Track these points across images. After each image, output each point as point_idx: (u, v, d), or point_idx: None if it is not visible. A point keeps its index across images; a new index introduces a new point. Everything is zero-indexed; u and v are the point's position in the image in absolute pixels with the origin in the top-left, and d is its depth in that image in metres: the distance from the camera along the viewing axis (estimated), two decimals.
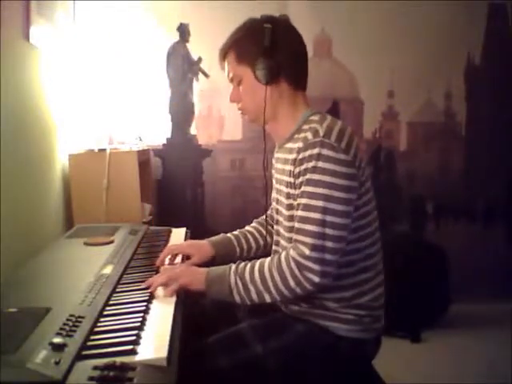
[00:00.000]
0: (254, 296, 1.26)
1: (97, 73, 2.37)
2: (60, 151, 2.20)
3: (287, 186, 1.33)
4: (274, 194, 1.49)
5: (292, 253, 1.23)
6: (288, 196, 1.33)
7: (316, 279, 1.21)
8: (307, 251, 1.21)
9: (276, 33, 1.32)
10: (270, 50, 1.31)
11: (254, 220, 1.67)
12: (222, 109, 3.12)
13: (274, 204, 1.49)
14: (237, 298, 1.27)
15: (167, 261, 1.49)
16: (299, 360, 1.28)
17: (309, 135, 1.27)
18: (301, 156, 1.26)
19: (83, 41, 2.43)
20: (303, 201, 1.25)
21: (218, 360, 1.24)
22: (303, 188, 1.25)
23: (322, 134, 1.25)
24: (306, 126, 1.32)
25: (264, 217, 1.63)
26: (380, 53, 3.05)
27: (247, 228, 1.64)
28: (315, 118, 1.33)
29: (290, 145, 1.36)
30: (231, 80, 1.41)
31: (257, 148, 3.18)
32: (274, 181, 1.48)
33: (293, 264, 1.22)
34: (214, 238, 1.59)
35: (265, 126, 1.41)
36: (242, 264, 1.29)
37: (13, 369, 0.79)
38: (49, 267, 1.46)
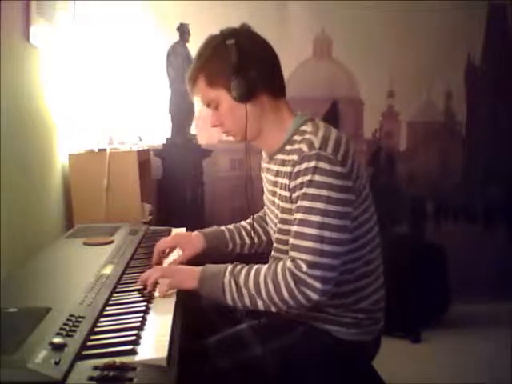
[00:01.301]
0: (247, 300, 1.22)
1: (97, 73, 2.37)
2: (60, 151, 2.20)
3: (282, 200, 1.30)
4: (265, 201, 1.48)
5: (289, 265, 1.20)
6: (283, 211, 1.30)
7: (314, 297, 1.18)
8: (304, 267, 1.17)
9: (241, 46, 1.27)
10: (240, 66, 1.26)
11: (251, 216, 1.62)
12: None
13: (266, 210, 1.48)
14: (228, 299, 1.24)
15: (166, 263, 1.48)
16: (298, 362, 1.27)
17: (304, 147, 1.23)
18: (296, 169, 1.23)
19: (83, 41, 2.43)
20: (299, 216, 1.21)
21: (218, 361, 1.24)
22: (299, 203, 1.22)
23: (317, 146, 1.21)
24: (298, 137, 1.29)
25: (260, 214, 1.64)
26: (380, 53, 3.05)
27: (243, 223, 1.62)
28: (307, 128, 1.29)
29: (281, 156, 1.33)
30: (208, 105, 1.36)
31: (256, 148, 3.18)
32: (264, 189, 1.47)
33: (289, 277, 1.18)
34: (205, 230, 1.57)
35: (252, 143, 1.40)
36: (239, 266, 1.27)
37: (13, 369, 0.79)
38: (49, 267, 1.46)
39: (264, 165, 1.47)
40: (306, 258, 1.18)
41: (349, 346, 1.29)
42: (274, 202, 1.37)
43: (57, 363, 0.82)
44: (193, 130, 3.09)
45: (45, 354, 0.84)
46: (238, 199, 3.15)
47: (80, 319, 1.01)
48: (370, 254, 1.31)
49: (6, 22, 1.62)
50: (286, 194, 1.28)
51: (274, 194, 1.37)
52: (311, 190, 1.20)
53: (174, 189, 3.03)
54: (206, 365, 1.23)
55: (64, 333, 0.93)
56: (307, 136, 1.25)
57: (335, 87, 3.18)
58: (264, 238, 1.59)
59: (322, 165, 1.19)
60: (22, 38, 1.81)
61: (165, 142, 3.04)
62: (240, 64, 1.26)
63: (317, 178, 1.19)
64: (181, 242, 1.53)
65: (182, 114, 3.04)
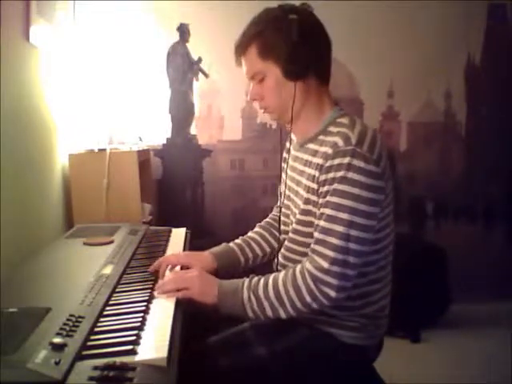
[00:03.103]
0: (269, 312, 1.21)
1: (97, 73, 2.37)
2: (60, 151, 2.20)
3: (308, 191, 1.27)
4: (285, 191, 1.42)
5: (308, 266, 1.19)
6: (307, 202, 1.27)
7: (332, 293, 1.16)
8: (326, 264, 1.16)
9: (302, 23, 1.24)
10: (298, 43, 1.22)
11: (258, 224, 1.60)
12: (222, 109, 3.12)
13: (284, 201, 1.42)
14: (250, 314, 1.22)
15: (167, 272, 1.38)
16: (301, 363, 1.26)
17: (339, 141, 1.20)
18: (329, 163, 1.19)
19: (83, 41, 2.43)
20: (327, 211, 1.18)
21: (219, 361, 1.23)
22: (328, 198, 1.19)
23: (354, 142, 1.18)
24: (333, 129, 1.25)
25: (267, 220, 1.60)
26: (380, 53, 3.05)
27: (250, 234, 1.57)
28: (344, 121, 1.26)
29: (313, 146, 1.29)
30: (252, 77, 1.30)
31: (256, 148, 3.19)
32: (287, 179, 1.41)
33: (309, 278, 1.18)
34: (215, 249, 1.51)
35: (287, 125, 1.35)
36: (256, 278, 1.25)
37: (13, 369, 0.79)
38: (49, 267, 1.46)
39: (292, 154, 1.41)
40: (329, 255, 1.16)
41: (351, 350, 1.28)
42: (297, 192, 1.33)
43: (57, 363, 0.82)
44: (193, 130, 3.09)
45: (45, 354, 0.84)
46: (238, 199, 3.15)
47: (80, 319, 1.01)
48: (384, 259, 1.29)
49: (6, 21, 1.62)
50: (313, 185, 1.24)
51: (298, 183, 1.33)
52: (342, 187, 1.17)
53: (173, 189, 3.04)
54: (206, 365, 1.23)
55: (64, 333, 0.93)
56: (344, 129, 1.22)
57: (335, 87, 3.17)
58: (276, 245, 1.53)
59: (357, 162, 1.17)
60: (22, 37, 1.80)
61: (165, 141, 3.05)
62: (298, 41, 1.23)
63: (350, 175, 1.17)
64: (192, 261, 1.43)
65: (182, 114, 3.05)
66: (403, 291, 2.52)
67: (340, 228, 1.16)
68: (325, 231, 1.18)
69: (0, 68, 1.56)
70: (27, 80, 1.86)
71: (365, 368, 1.37)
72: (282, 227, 1.44)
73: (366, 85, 3.16)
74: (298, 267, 1.21)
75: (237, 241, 1.55)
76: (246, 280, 1.25)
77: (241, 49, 1.30)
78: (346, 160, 1.17)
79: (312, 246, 1.21)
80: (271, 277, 1.24)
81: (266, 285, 1.22)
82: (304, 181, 1.29)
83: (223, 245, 1.54)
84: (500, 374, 2.30)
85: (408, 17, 3.05)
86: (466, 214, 3.26)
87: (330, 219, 1.18)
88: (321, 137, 1.28)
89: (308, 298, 1.18)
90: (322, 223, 1.19)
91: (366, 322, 1.28)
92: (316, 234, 1.20)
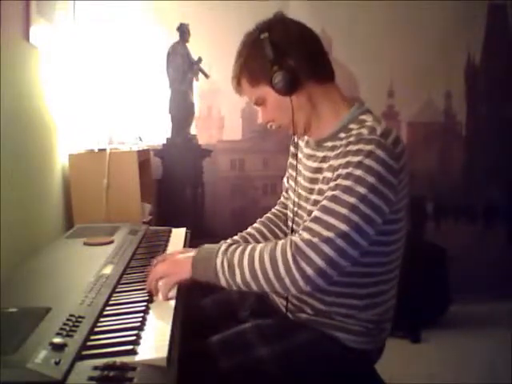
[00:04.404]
0: (239, 280, 1.15)
1: (97, 73, 2.37)
2: (60, 151, 2.20)
3: (323, 183, 1.23)
4: (288, 184, 1.40)
5: (293, 238, 1.12)
6: (319, 192, 1.23)
7: (310, 272, 1.08)
8: (315, 239, 1.08)
9: (276, 38, 1.22)
10: (277, 59, 1.21)
11: (258, 220, 1.57)
12: (222, 109, 3.12)
13: (290, 195, 1.41)
14: (222, 281, 1.17)
15: None
16: (302, 366, 1.25)
17: (364, 131, 1.16)
18: (348, 148, 1.15)
19: (83, 41, 2.43)
20: (333, 193, 1.13)
21: (220, 361, 1.21)
22: (339, 181, 1.13)
23: (379, 133, 1.15)
24: (355, 126, 1.22)
25: (268, 215, 1.58)
26: (380, 53, 3.05)
27: (248, 230, 1.54)
28: (368, 118, 1.22)
29: (332, 143, 1.26)
30: (255, 103, 1.31)
31: (256, 148, 3.19)
32: (300, 178, 1.38)
33: (288, 248, 1.10)
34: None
35: (306, 134, 1.33)
36: (234, 245, 1.20)
37: (13, 369, 0.79)
38: (49, 267, 1.46)
39: (305, 152, 1.38)
40: (323, 233, 1.09)
41: (354, 354, 1.27)
42: (312, 190, 1.29)
43: (57, 363, 0.82)
44: (193, 130, 3.09)
45: (45, 354, 0.83)
46: (238, 199, 3.15)
47: (80, 319, 1.01)
48: (394, 262, 1.29)
49: (6, 21, 1.62)
50: (329, 175, 1.20)
51: (312, 181, 1.30)
52: (358, 172, 1.12)
53: (173, 189, 3.04)
54: (207, 365, 1.22)
55: (64, 333, 0.93)
56: (369, 123, 1.19)
57: None
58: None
59: (379, 152, 1.12)
60: (22, 37, 1.81)
61: (165, 142, 3.05)
62: (277, 57, 1.21)
63: (367, 161, 1.12)
64: None
65: (182, 114, 3.05)
66: (403, 291, 2.52)
67: (343, 210, 1.10)
68: (326, 210, 1.12)
69: (0, 68, 1.56)
70: (27, 80, 1.86)
71: (367, 370, 1.37)
72: (294, 225, 1.40)
73: (366, 85, 3.15)
74: (282, 240, 1.15)
75: (235, 237, 1.52)
76: (224, 245, 1.21)
77: (235, 83, 1.31)
78: (368, 147, 1.13)
79: (306, 223, 1.14)
80: (251, 245, 1.19)
81: (242, 252, 1.16)
82: (321, 177, 1.26)
83: (222, 243, 1.52)
84: (500, 374, 2.30)
85: (408, 17, 3.05)
86: (466, 214, 3.26)
87: (334, 199, 1.12)
88: (341, 134, 1.24)
89: (282, 270, 1.10)
90: (324, 202, 1.13)
91: (370, 326, 1.27)
92: (314, 213, 1.14)
